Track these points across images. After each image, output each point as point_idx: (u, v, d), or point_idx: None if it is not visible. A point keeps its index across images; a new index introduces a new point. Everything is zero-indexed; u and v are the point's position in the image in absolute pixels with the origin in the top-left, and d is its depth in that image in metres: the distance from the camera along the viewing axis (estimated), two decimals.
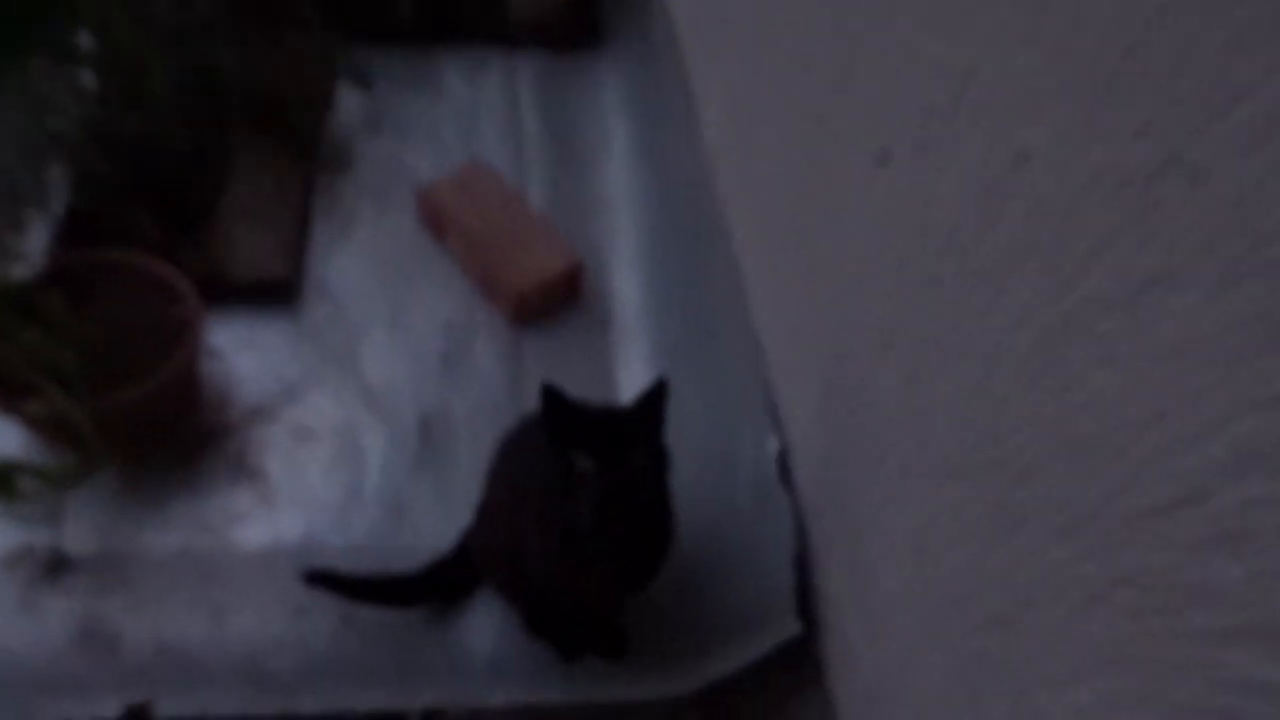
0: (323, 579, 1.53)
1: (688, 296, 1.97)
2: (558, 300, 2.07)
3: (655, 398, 1.27)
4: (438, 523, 1.69)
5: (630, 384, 1.93)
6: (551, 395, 1.23)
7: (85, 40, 1.75)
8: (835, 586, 1.40)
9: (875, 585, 1.26)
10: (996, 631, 0.98)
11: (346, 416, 1.82)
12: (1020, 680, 0.94)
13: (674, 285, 2.02)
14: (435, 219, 2.12)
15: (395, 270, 2.08)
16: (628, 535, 1.31)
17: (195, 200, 2.00)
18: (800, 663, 1.49)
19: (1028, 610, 0.92)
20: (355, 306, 2.01)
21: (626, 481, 1.23)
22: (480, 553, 1.56)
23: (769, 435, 1.60)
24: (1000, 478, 0.95)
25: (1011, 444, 0.93)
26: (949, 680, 1.09)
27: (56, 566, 1.52)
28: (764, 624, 1.47)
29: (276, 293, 1.93)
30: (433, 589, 1.59)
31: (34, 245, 1.74)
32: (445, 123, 2.39)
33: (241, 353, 1.86)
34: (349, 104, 2.31)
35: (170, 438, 1.73)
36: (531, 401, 1.25)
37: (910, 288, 1.12)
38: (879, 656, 1.27)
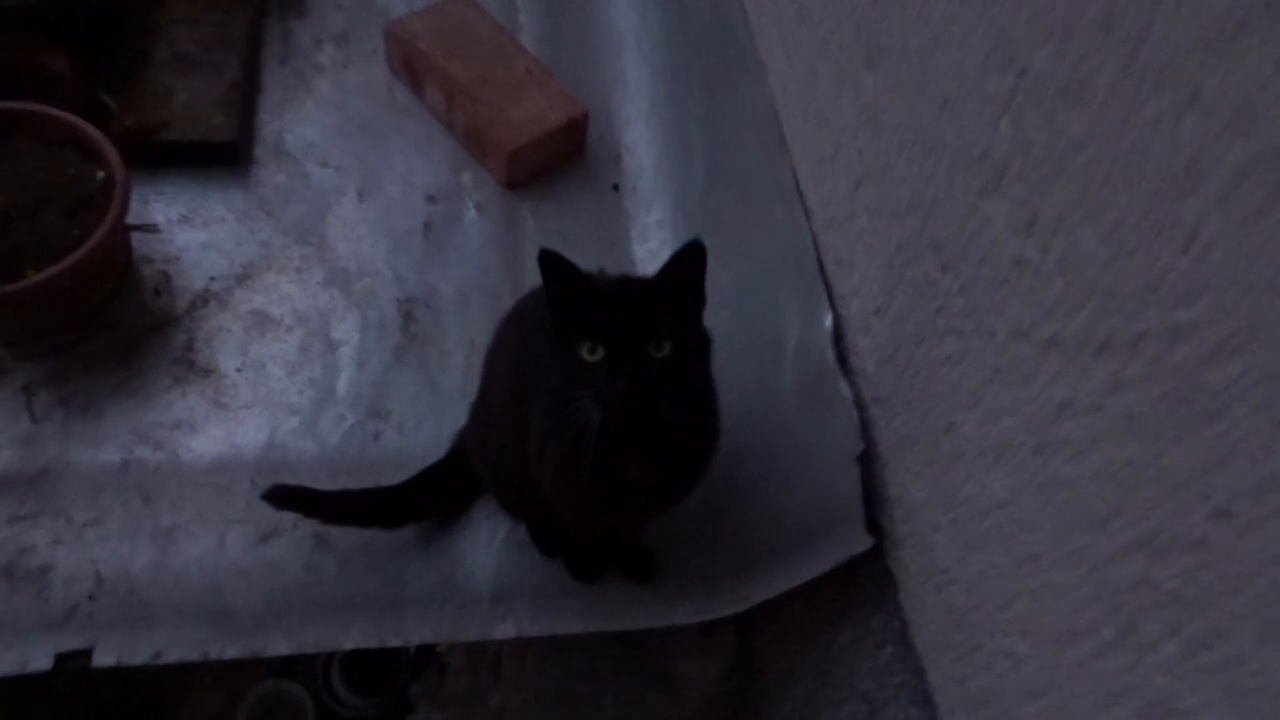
0: (291, 496, 1.31)
1: (713, 149, 1.74)
2: (559, 159, 1.85)
3: (687, 265, 1.03)
4: (426, 425, 1.52)
5: (648, 256, 1.72)
6: (552, 264, 1.00)
7: None
8: (914, 490, 1.20)
9: (974, 488, 1.06)
10: (1171, 554, 0.76)
11: (313, 302, 1.62)
12: (1208, 621, 0.73)
13: (696, 136, 1.79)
14: (410, 65, 1.88)
15: (364, 127, 1.85)
16: (650, 444, 1.08)
17: (120, 43, 1.75)
18: (858, 579, 1.33)
19: (1227, 530, 0.70)
20: (319, 172, 1.78)
21: (646, 377, 0.99)
22: (478, 459, 1.37)
23: (821, 310, 1.39)
24: (1186, 352, 0.72)
25: (1204, 306, 0.70)
26: (1083, 610, 0.89)
27: None
28: (823, 537, 1.30)
29: (222, 155, 1.72)
30: (423, 504, 1.42)
31: None
32: None
33: (184, 228, 1.66)
34: None
35: (100, 330, 1.51)
36: (532, 279, 1.03)
37: (1036, 104, 0.88)
38: (976, 574, 1.08)
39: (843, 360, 1.36)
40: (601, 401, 1.00)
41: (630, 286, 1.06)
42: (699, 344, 1.08)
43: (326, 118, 1.84)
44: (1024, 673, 0.99)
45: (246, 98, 1.78)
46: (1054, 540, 0.92)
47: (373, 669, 1.86)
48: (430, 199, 1.77)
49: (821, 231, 1.44)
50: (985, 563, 1.05)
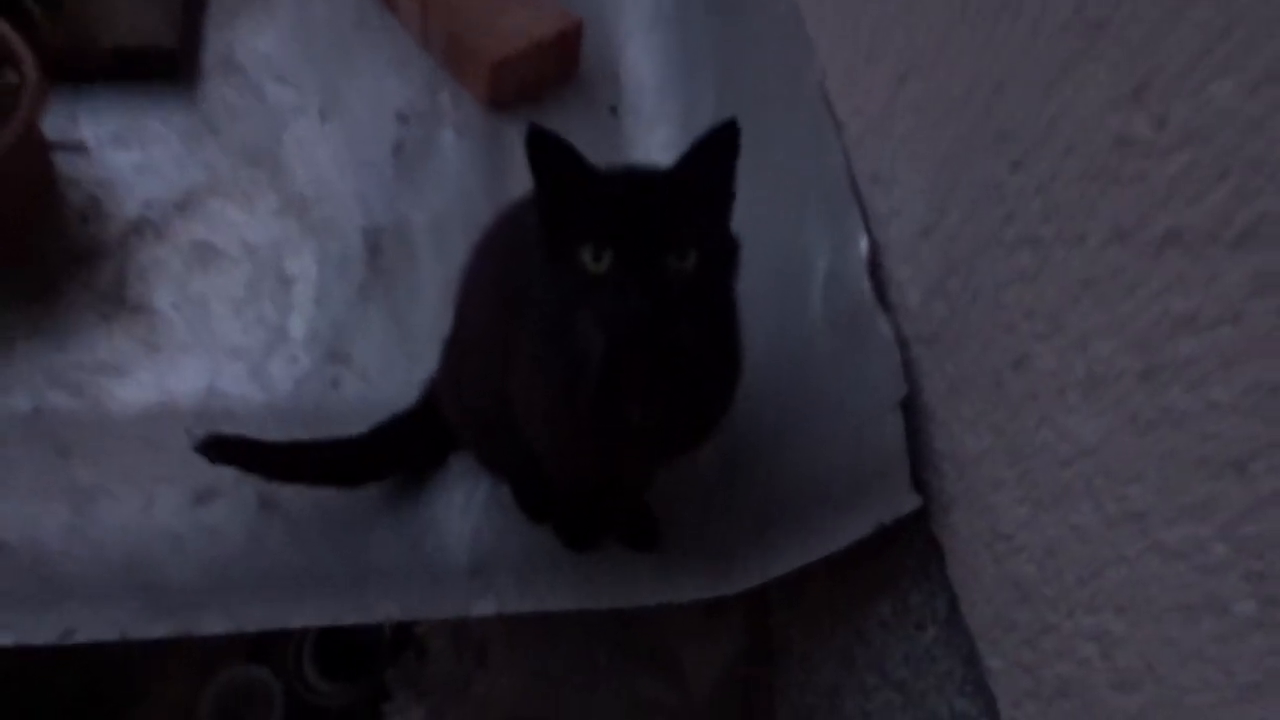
0: (230, 448, 1.16)
1: (725, 61, 1.59)
2: (548, 77, 1.68)
3: (717, 152, 0.86)
4: (394, 369, 1.36)
5: None
6: (545, 146, 0.83)
7: None
8: (969, 441, 1.05)
9: (1050, 434, 0.90)
10: None
11: (264, 232, 1.46)
12: None
13: (705, 48, 1.64)
14: None
15: (328, 41, 1.68)
16: (662, 379, 0.92)
17: None
18: (894, 548, 1.19)
19: None
20: (274, 88, 1.61)
21: (665, 293, 0.82)
22: (452, 405, 1.21)
23: (854, 236, 1.26)
24: None
25: None
26: (1209, 578, 0.72)
27: None
28: (859, 498, 1.16)
29: (161, 67, 1.54)
30: (388, 458, 1.27)
31: None
32: None
33: (116, 148, 1.49)
34: None
35: (14, 262, 1.34)
36: None
37: None
38: (1051, 539, 0.92)
39: (880, 293, 1.22)
40: (608, 325, 0.83)
41: (645, 179, 0.88)
42: (727, 253, 0.90)
43: (284, 29, 1.67)
44: (1118, 659, 0.82)
45: (190, 3, 1.61)
46: (1166, 492, 0.75)
47: (347, 653, 1.76)
48: (402, 119, 1.60)
49: (854, 144, 1.28)
50: (1064, 525, 0.88)
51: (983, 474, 1.01)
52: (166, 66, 1.54)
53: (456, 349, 1.19)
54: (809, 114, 1.34)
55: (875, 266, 1.22)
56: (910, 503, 1.10)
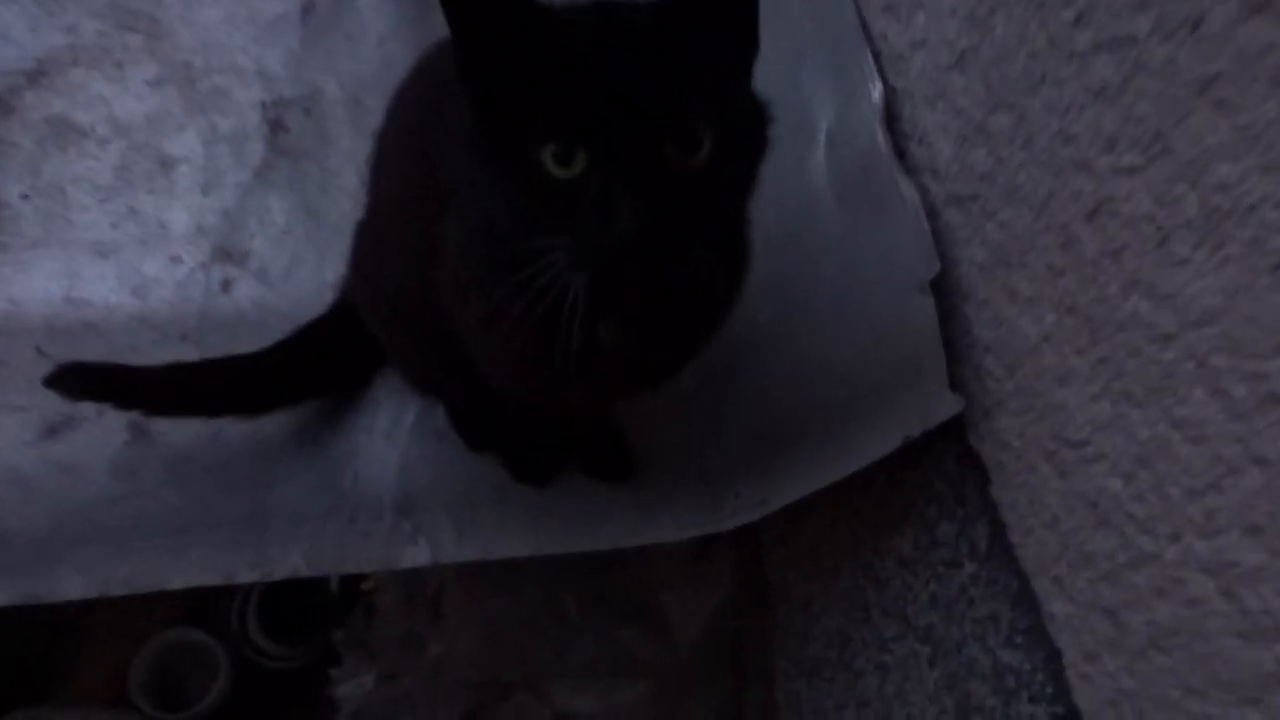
0: (95, 381, 1.01)
1: None
2: None
3: None
4: (301, 269, 1.27)
5: None
6: None
7: None
8: (1024, 324, 0.88)
9: (1144, 301, 0.72)
10: None
11: (138, 106, 1.34)
12: None
13: None
14: None
15: None
16: (653, 301, 0.73)
17: None
18: (917, 468, 1.05)
19: None
20: None
21: (667, 205, 0.62)
22: (369, 307, 1.06)
23: (864, 82, 1.08)
24: None
25: None
26: None
27: None
28: (880, 406, 1.01)
29: None
30: (297, 381, 1.14)
31: None
32: None
33: None
34: None
35: None
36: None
37: None
38: (1145, 441, 0.73)
39: (900, 151, 1.04)
40: (589, 260, 0.63)
41: (626, 23, 0.67)
42: (754, 127, 0.70)
43: None
44: (1248, 598, 0.64)
45: None
46: None
47: (292, 612, 1.70)
48: None
49: None
50: (1166, 421, 0.70)
51: (1044, 365, 0.84)
52: None
53: (372, 233, 1.02)
54: None
55: (892, 118, 1.05)
56: (949, 406, 0.93)
